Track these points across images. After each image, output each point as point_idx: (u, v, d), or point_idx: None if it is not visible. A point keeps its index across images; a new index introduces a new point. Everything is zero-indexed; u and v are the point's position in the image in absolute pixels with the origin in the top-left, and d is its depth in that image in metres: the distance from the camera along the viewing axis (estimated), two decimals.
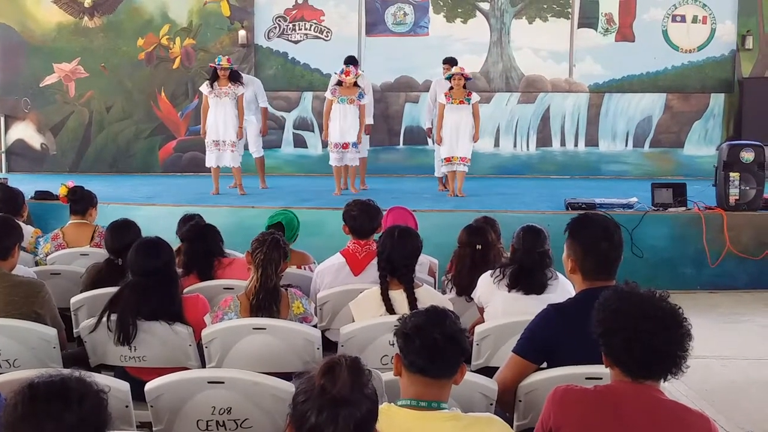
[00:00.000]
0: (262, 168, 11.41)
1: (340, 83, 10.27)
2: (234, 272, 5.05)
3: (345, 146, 10.24)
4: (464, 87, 10.10)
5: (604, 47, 13.56)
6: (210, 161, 10.41)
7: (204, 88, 10.34)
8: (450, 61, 10.94)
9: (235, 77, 10.33)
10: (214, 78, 10.23)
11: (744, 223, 8.59)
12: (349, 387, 2.10)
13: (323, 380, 2.11)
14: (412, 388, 2.65)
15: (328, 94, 10.39)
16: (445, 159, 10.21)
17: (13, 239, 4.47)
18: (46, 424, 1.99)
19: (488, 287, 4.48)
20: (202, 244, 5.21)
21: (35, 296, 4.27)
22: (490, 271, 4.53)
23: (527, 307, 4.01)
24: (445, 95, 10.12)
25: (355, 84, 10.25)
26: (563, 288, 4.31)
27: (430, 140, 11.65)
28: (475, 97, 10.16)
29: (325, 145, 11.56)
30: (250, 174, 11.14)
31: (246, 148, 10.94)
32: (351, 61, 10.89)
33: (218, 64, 10.15)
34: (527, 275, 4.36)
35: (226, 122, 10.18)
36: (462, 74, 10.05)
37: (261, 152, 11.37)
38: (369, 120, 11.08)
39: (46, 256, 5.96)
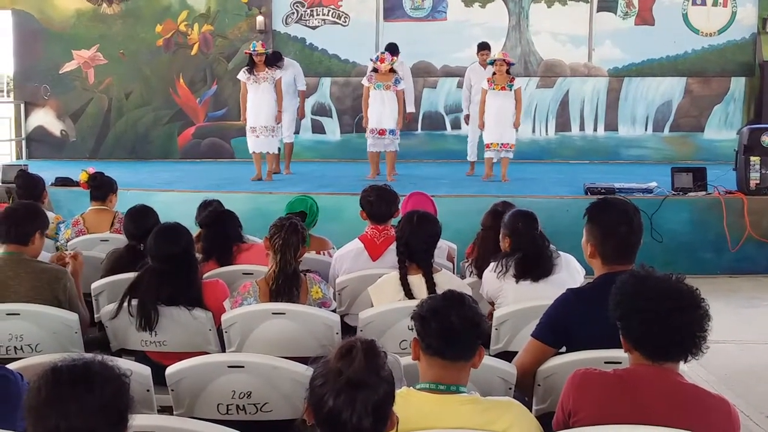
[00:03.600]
0: (290, 153, 11.52)
1: (376, 70, 10.24)
2: (253, 257, 5.06)
3: (381, 132, 10.21)
4: (507, 72, 10.07)
5: (623, 31, 13.46)
6: (251, 147, 10.48)
7: (242, 75, 10.38)
8: (484, 47, 10.90)
9: (270, 62, 10.38)
10: (251, 64, 10.26)
11: (764, 208, 8.52)
12: (365, 369, 2.11)
13: (340, 363, 2.12)
14: (430, 372, 2.65)
15: (364, 81, 10.34)
16: (486, 144, 10.20)
17: (35, 225, 4.46)
18: (70, 408, 2.00)
19: (494, 282, 4.42)
20: (220, 230, 5.22)
21: (57, 283, 4.31)
22: (491, 265, 4.47)
23: (540, 294, 4.02)
24: (488, 81, 10.09)
25: (391, 70, 10.20)
26: (568, 263, 4.32)
27: (465, 125, 11.60)
28: (517, 83, 10.14)
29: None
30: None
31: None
32: (390, 48, 10.79)
33: (253, 50, 10.19)
34: (533, 263, 4.30)
35: (265, 107, 10.24)
36: (504, 60, 10.03)
37: (293, 137, 11.48)
38: (409, 108, 11.06)
39: (67, 242, 6.00)
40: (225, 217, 5.35)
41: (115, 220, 6.14)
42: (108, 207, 6.32)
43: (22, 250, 4.37)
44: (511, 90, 10.02)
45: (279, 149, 10.92)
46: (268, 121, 10.27)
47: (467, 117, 11.13)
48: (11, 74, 14.77)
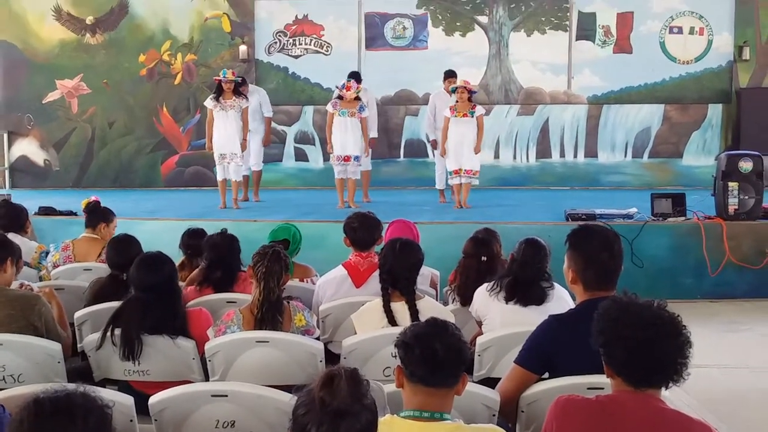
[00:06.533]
0: (259, 181, 11.53)
1: (341, 97, 10.31)
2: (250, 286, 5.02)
3: (346, 159, 10.26)
4: (469, 100, 10.14)
5: (602, 59, 13.59)
6: (220, 174, 10.46)
7: (209, 102, 10.36)
8: (450, 74, 10.99)
9: (239, 90, 10.39)
10: (219, 92, 10.28)
11: (743, 232, 8.59)
12: (348, 398, 2.11)
13: (322, 392, 2.12)
14: (414, 399, 2.66)
15: (329, 108, 10.40)
16: (453, 171, 10.25)
17: (5, 253, 4.45)
18: None
19: (484, 300, 4.46)
20: (230, 257, 5.18)
21: (31, 309, 4.28)
22: (486, 284, 4.51)
23: (526, 319, 4.02)
24: (450, 108, 10.16)
25: (356, 98, 10.28)
26: (560, 297, 4.31)
27: (431, 152, 11.67)
28: (479, 110, 10.19)
29: (327, 158, 11.63)
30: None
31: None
32: (353, 76, 10.90)
33: (223, 77, 10.20)
34: (525, 287, 4.32)
35: (232, 135, 10.21)
36: (465, 87, 10.10)
37: (261, 165, 11.47)
38: (373, 133, 11.12)
39: (54, 266, 5.98)
40: (235, 245, 5.29)
41: (103, 251, 6.12)
42: (98, 236, 6.31)
43: None
44: (472, 117, 10.07)
45: (246, 177, 10.96)
46: (236, 148, 10.27)
47: (434, 142, 11.17)
48: None
